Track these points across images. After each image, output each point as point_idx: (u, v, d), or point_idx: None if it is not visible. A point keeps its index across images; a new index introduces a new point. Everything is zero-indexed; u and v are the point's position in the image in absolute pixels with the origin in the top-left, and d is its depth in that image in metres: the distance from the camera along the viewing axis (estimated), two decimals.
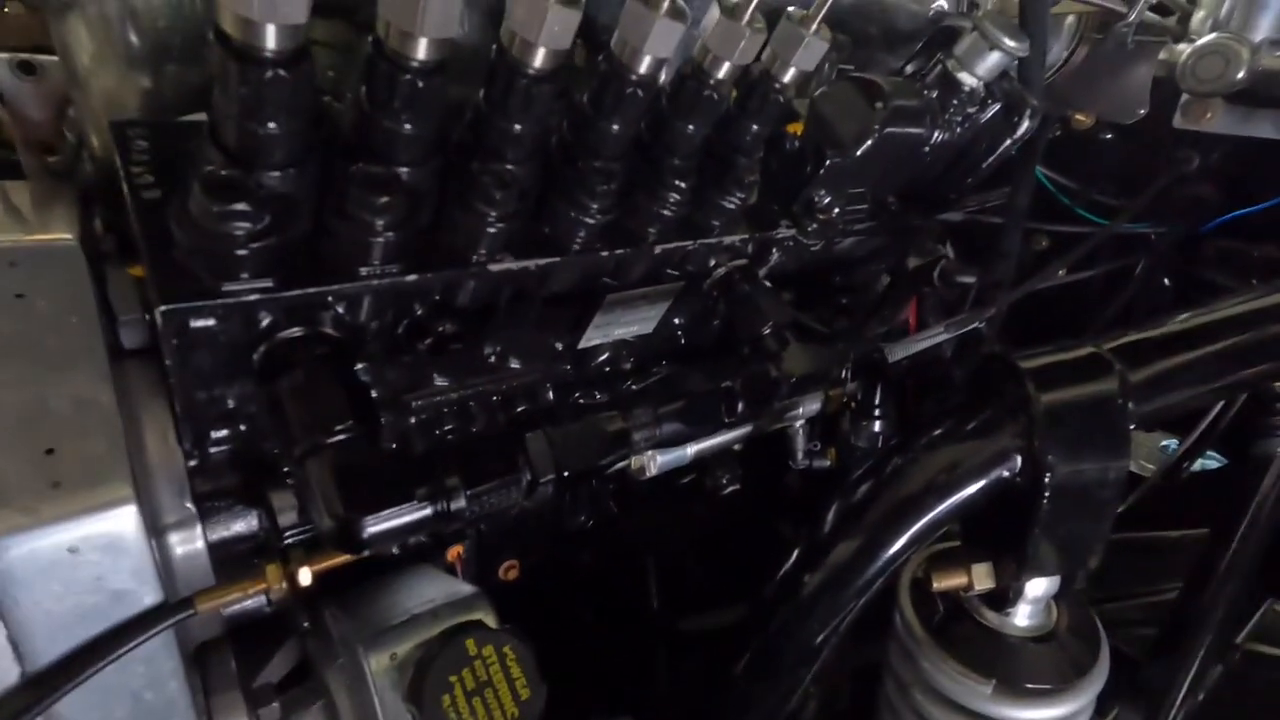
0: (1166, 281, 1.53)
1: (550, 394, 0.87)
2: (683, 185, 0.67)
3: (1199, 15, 1.20)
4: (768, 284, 0.87)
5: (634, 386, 0.79)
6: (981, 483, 0.73)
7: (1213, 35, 1.11)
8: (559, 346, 0.85)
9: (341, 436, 0.55)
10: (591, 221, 0.64)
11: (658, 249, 0.72)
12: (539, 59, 0.55)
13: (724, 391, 0.76)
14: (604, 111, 0.62)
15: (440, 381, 0.79)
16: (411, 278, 0.60)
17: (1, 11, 0.93)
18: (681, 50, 0.70)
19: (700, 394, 0.74)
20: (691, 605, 1.22)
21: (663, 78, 0.68)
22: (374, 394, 0.69)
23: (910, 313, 1.22)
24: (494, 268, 0.63)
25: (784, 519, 1.16)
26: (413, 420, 0.78)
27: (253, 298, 0.55)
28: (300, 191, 0.54)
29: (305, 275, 0.57)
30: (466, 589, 0.77)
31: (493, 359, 0.81)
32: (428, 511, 0.57)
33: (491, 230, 0.59)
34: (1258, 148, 1.20)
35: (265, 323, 0.59)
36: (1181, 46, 1.16)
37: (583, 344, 0.83)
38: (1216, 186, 1.38)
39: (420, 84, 0.52)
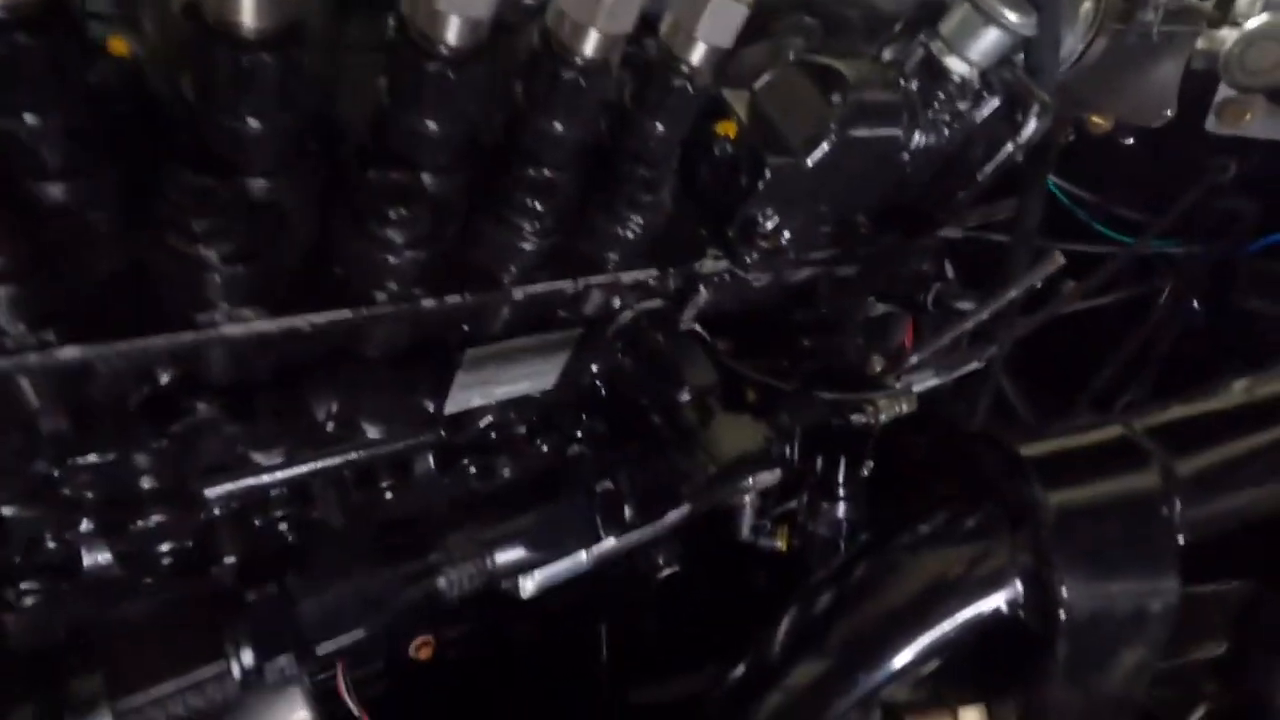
0: (1195, 304, 1.39)
1: (430, 464, 0.69)
2: (545, 207, 0.47)
3: None
4: (696, 329, 0.68)
5: (478, 485, 0.60)
6: (969, 613, 0.55)
7: (1265, 17, 0.93)
8: (430, 408, 0.67)
9: None
10: (395, 261, 0.44)
11: (519, 293, 0.52)
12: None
13: (603, 496, 0.56)
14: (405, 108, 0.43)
15: (258, 458, 0.60)
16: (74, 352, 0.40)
17: None
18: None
19: (558, 507, 0.55)
20: (645, 672, 1.06)
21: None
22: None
23: (907, 338, 1.05)
24: (228, 330, 0.43)
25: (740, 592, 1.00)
26: (216, 512, 0.60)
27: None
28: None
29: None
30: None
31: (331, 426, 0.63)
32: None
33: (219, 278, 0.40)
34: None
35: None
36: (1224, 33, 0.98)
37: (451, 408, 0.64)
38: (1256, 200, 1.25)
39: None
